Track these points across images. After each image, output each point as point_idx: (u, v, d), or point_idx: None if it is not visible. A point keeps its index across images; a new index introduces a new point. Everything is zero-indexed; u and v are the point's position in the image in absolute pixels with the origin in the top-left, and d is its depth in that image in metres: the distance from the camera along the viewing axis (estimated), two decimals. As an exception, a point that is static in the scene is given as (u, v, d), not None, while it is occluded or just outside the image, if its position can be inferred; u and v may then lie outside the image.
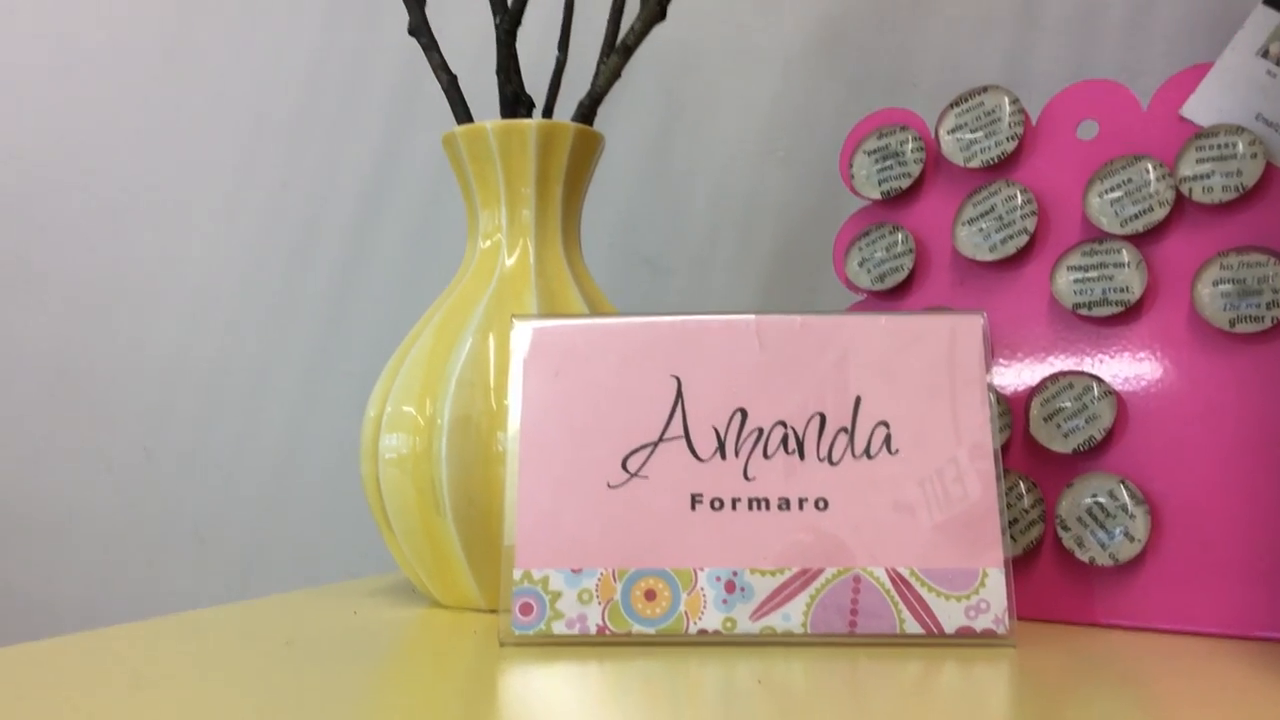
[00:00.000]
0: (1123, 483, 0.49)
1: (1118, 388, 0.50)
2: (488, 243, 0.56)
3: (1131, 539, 0.48)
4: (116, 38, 0.92)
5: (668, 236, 0.76)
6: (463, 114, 0.57)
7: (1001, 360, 0.53)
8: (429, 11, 0.58)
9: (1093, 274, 0.52)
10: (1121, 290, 0.51)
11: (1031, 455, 0.52)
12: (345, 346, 0.84)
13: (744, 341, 0.47)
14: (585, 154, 0.56)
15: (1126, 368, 0.51)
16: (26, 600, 0.94)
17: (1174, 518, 0.48)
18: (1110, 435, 0.50)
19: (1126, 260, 0.51)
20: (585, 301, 0.54)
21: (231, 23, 0.88)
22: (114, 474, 0.91)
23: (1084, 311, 0.51)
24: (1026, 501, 0.51)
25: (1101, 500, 0.49)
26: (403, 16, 0.58)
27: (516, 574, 0.44)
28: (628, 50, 0.56)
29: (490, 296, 0.53)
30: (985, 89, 0.56)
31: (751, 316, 0.48)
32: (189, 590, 0.89)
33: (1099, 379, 0.50)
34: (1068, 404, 0.51)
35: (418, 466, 0.51)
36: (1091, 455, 0.50)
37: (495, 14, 0.57)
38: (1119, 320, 0.51)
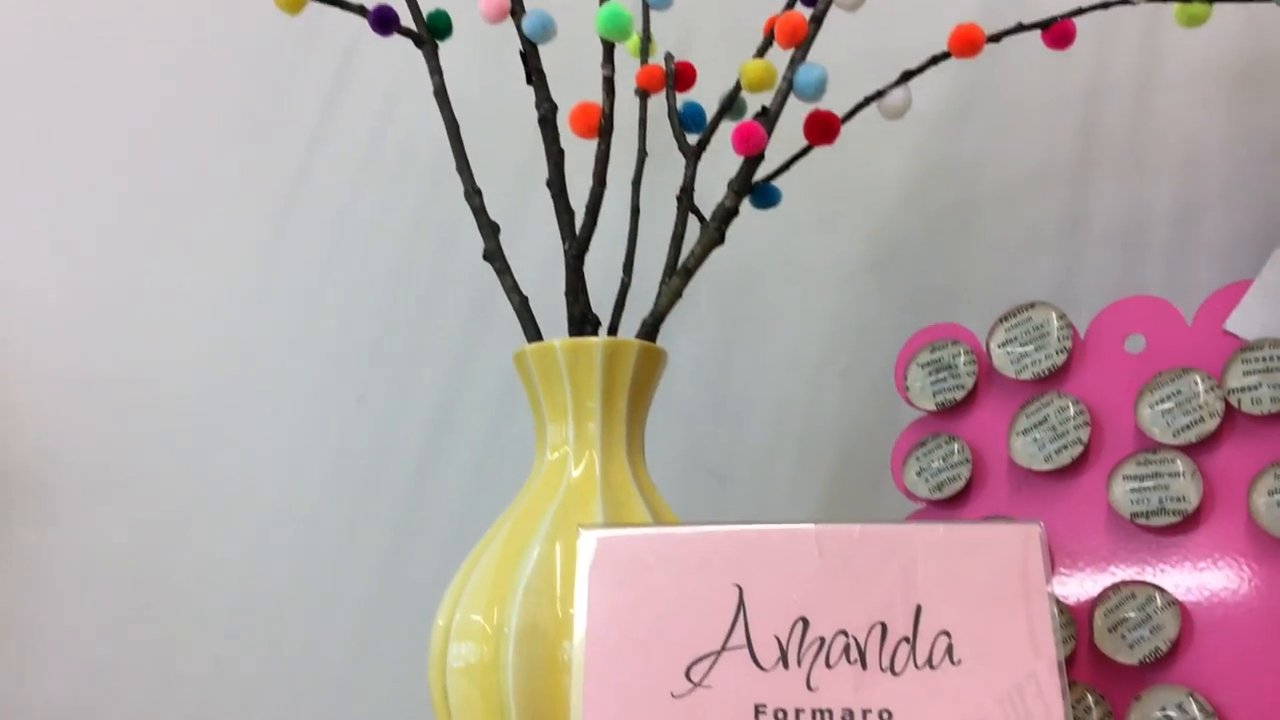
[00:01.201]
0: (1191, 695, 0.48)
1: (1181, 597, 0.50)
2: (555, 454, 0.58)
3: (1205, 754, 0.47)
4: (203, 259, 0.98)
5: (729, 447, 0.78)
6: (533, 332, 0.60)
7: (1062, 570, 0.54)
8: (502, 238, 0.63)
9: (1149, 483, 0.52)
10: (1178, 499, 0.51)
11: (1097, 667, 0.51)
12: (416, 556, 0.86)
13: (804, 550, 0.48)
14: (649, 369, 0.59)
15: (1188, 577, 0.51)
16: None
17: (1247, 732, 0.48)
18: (1176, 646, 0.50)
19: (1181, 470, 0.52)
20: (649, 511, 0.56)
21: (317, 247, 0.94)
22: (185, 686, 0.92)
23: (1142, 521, 0.52)
24: (1095, 715, 0.51)
25: (1171, 714, 0.48)
26: (478, 242, 0.63)
27: (581, 785, 0.44)
28: (688, 272, 0.60)
29: (557, 506, 0.55)
30: (1033, 304, 0.58)
31: (811, 526, 0.49)
32: (251, 804, 0.88)
33: (1161, 589, 0.51)
34: (1131, 614, 0.51)
35: (485, 675, 0.52)
36: (1158, 666, 0.50)
37: (564, 240, 0.61)
38: (1178, 530, 0.51)
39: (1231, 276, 0.54)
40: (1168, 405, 0.53)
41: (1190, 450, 0.52)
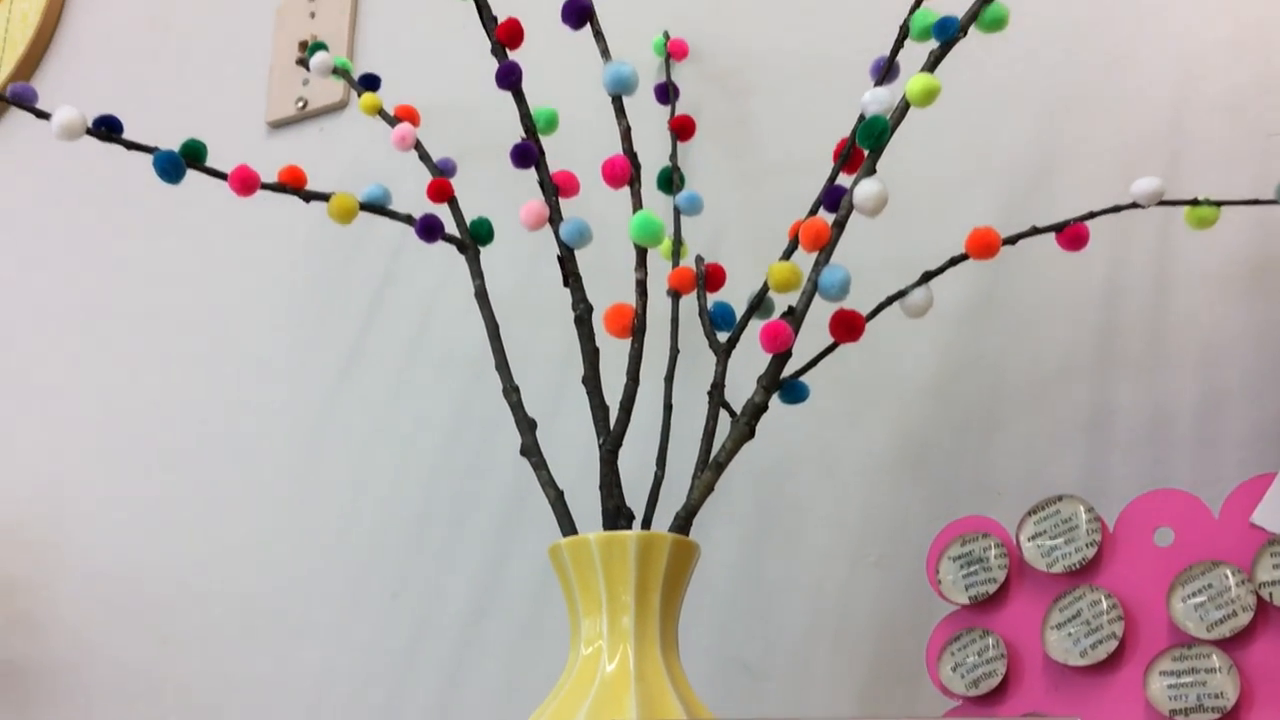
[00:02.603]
0: None
1: (1226, 798, 0.49)
2: (589, 649, 0.58)
3: None
4: (243, 456, 1.01)
5: (763, 642, 0.78)
6: (568, 526, 0.61)
7: (1103, 769, 0.53)
8: (539, 434, 0.64)
9: (1186, 679, 0.52)
10: (1216, 696, 0.51)
11: None
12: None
13: (839, 748, 0.48)
14: (682, 563, 0.59)
15: (1231, 777, 0.50)
16: None
17: None
18: None
19: (1217, 665, 0.51)
20: (683, 707, 0.56)
21: (357, 442, 0.96)
22: None
23: (1181, 718, 0.51)
24: None
25: None
26: (515, 438, 0.64)
27: None
28: (720, 466, 0.61)
29: (591, 703, 0.55)
30: (1060, 498, 0.59)
31: (845, 722, 0.48)
32: None
33: (1205, 789, 0.50)
34: (1176, 816, 0.50)
35: None
36: None
37: (599, 436, 0.63)
38: (1218, 727, 0.51)
39: (1256, 469, 0.55)
40: (1200, 599, 0.53)
41: (1225, 645, 0.52)
